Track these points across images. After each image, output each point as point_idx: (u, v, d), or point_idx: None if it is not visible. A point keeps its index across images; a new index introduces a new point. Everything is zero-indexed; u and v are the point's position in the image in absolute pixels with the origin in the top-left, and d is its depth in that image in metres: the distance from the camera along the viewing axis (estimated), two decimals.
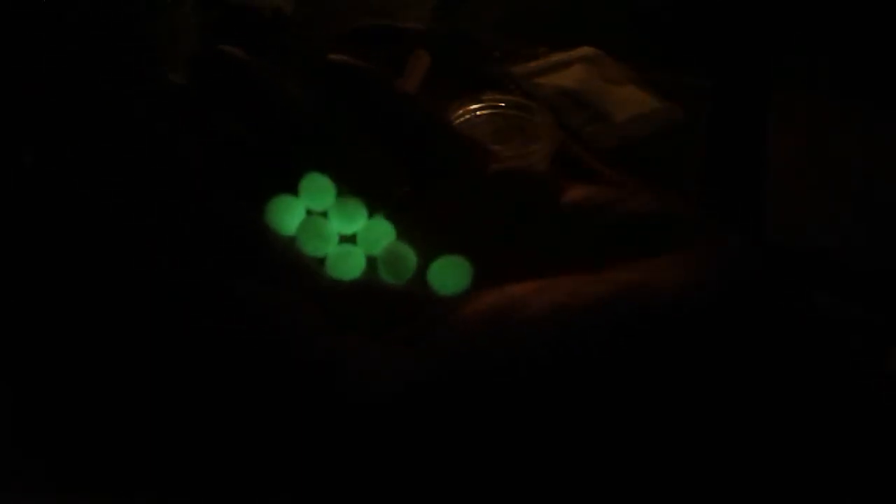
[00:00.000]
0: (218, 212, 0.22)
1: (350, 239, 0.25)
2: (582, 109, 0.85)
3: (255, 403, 0.20)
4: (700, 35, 0.94)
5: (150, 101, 0.25)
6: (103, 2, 0.80)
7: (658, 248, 0.21)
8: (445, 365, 0.19)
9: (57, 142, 0.76)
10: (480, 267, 0.22)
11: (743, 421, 0.19)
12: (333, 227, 0.24)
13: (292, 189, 0.24)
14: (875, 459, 0.19)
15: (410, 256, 0.23)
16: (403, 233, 0.24)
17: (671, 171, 0.79)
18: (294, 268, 0.22)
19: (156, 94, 0.25)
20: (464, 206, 0.24)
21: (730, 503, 0.18)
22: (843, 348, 0.20)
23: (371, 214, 0.24)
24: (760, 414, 0.19)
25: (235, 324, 0.20)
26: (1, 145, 0.76)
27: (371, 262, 0.24)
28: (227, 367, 0.20)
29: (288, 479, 0.20)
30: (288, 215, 0.24)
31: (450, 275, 0.22)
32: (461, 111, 0.73)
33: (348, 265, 0.23)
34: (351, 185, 0.24)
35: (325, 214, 0.25)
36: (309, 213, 0.24)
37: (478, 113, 0.74)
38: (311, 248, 0.24)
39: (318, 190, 0.24)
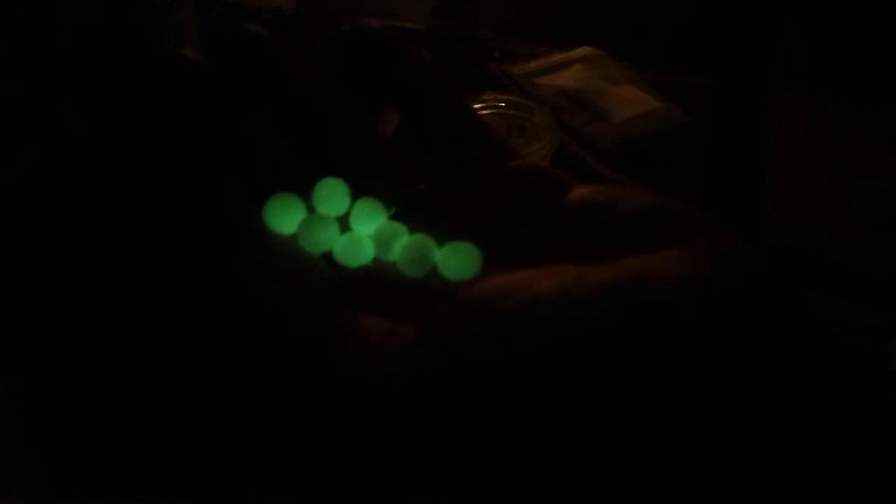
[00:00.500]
0: (228, 210, 0.22)
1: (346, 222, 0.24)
2: (582, 109, 0.85)
3: (254, 384, 0.20)
4: (700, 35, 0.94)
5: (153, 91, 0.24)
6: (103, 2, 0.80)
7: (659, 244, 0.21)
8: (446, 343, 0.19)
9: (57, 142, 0.76)
10: (490, 261, 0.22)
11: (742, 415, 0.19)
12: (333, 227, 0.24)
13: (306, 185, 0.24)
14: (876, 458, 0.19)
15: (433, 249, 0.23)
16: (417, 230, 0.24)
17: (671, 171, 0.79)
18: (299, 259, 0.22)
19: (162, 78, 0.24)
20: (480, 202, 0.24)
21: (727, 500, 0.19)
22: (844, 345, 0.20)
23: (387, 211, 0.24)
24: (760, 407, 0.19)
25: (236, 300, 0.20)
26: (1, 145, 0.76)
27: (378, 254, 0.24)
28: (226, 347, 0.20)
29: (283, 478, 0.20)
30: (287, 215, 0.24)
31: (459, 261, 0.23)
32: None
33: (357, 253, 0.23)
34: (369, 182, 0.24)
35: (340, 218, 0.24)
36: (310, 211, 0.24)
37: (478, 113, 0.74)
38: (311, 246, 0.23)
39: (332, 195, 0.24)
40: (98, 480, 0.48)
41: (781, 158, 0.84)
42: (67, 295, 0.62)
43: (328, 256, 0.24)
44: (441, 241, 0.23)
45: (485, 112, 0.74)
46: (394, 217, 0.24)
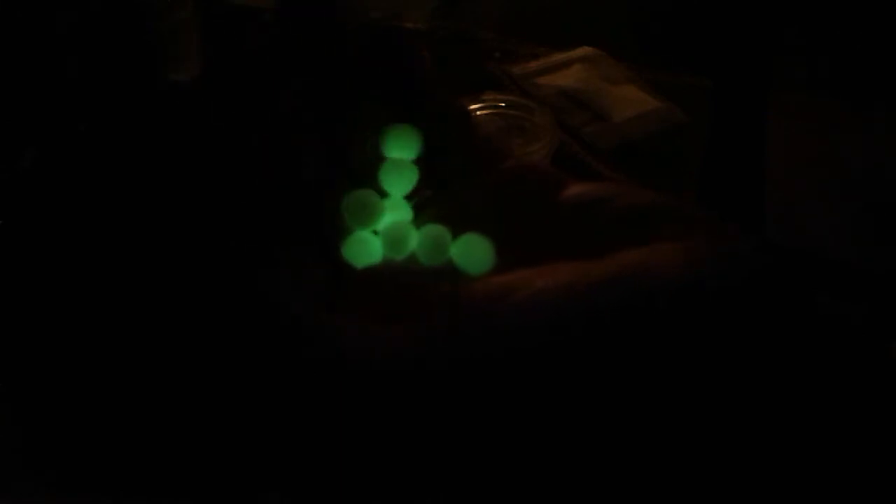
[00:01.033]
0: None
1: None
2: (582, 109, 0.85)
3: (252, 382, 0.20)
4: (700, 35, 0.94)
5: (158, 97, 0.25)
6: (104, 2, 0.80)
7: (658, 240, 0.21)
8: (448, 343, 0.19)
9: (58, 142, 0.76)
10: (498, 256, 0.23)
11: (743, 409, 0.19)
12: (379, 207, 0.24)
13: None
14: (878, 452, 0.19)
15: (448, 239, 0.23)
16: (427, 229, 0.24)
17: (671, 171, 0.79)
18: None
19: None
20: (481, 203, 0.24)
21: (729, 496, 0.18)
22: (847, 338, 0.21)
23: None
24: (761, 401, 0.19)
25: (249, 313, 0.21)
26: (1, 145, 0.76)
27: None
28: (232, 350, 0.21)
29: (278, 475, 0.20)
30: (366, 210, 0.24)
31: (474, 253, 0.23)
32: None
33: (365, 252, 0.24)
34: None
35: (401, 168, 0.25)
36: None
37: (478, 113, 0.74)
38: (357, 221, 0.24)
39: (402, 140, 0.25)
40: (98, 480, 0.48)
41: (781, 158, 0.84)
42: (67, 295, 0.62)
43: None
44: (454, 236, 0.23)
45: (485, 112, 0.74)
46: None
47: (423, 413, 0.19)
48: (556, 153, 0.73)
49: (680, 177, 0.79)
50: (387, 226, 0.24)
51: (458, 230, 0.23)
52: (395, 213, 0.25)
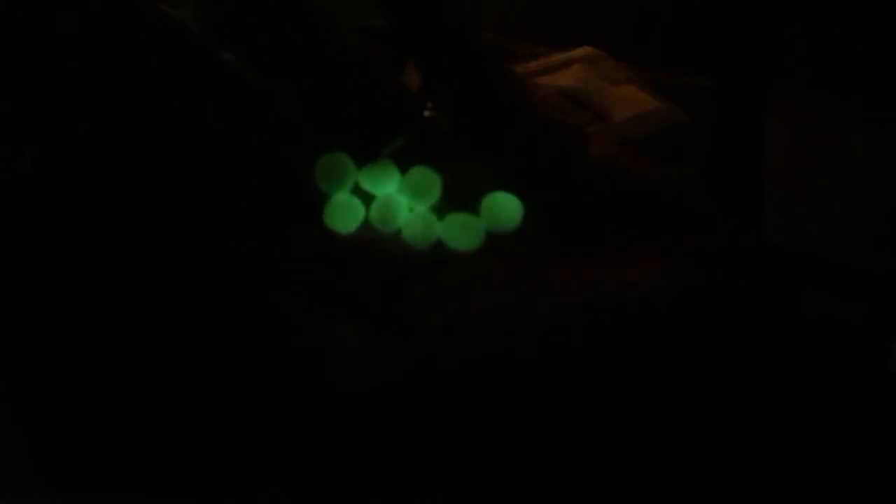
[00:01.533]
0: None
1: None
2: (582, 109, 0.85)
3: (247, 389, 0.21)
4: (700, 35, 0.94)
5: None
6: (103, 2, 0.80)
7: (645, 241, 0.21)
8: (430, 355, 0.19)
9: (58, 142, 0.76)
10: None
11: (736, 410, 0.19)
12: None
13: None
14: (875, 457, 0.19)
15: (435, 223, 0.24)
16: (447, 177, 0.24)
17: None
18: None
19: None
20: (513, 152, 0.24)
21: (725, 498, 0.19)
22: (843, 346, 0.21)
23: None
24: (752, 400, 0.19)
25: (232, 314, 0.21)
26: (1, 145, 0.76)
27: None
28: (225, 347, 0.21)
29: (271, 476, 0.20)
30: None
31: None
32: None
33: (346, 217, 0.24)
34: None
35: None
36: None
37: None
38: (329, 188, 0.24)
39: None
40: (98, 480, 0.48)
41: (781, 158, 0.84)
42: (67, 294, 0.62)
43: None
44: (443, 214, 0.24)
45: None
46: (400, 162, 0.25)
47: (406, 419, 0.19)
48: None
49: (680, 177, 0.79)
50: (377, 199, 0.24)
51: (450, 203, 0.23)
52: (377, 179, 0.24)
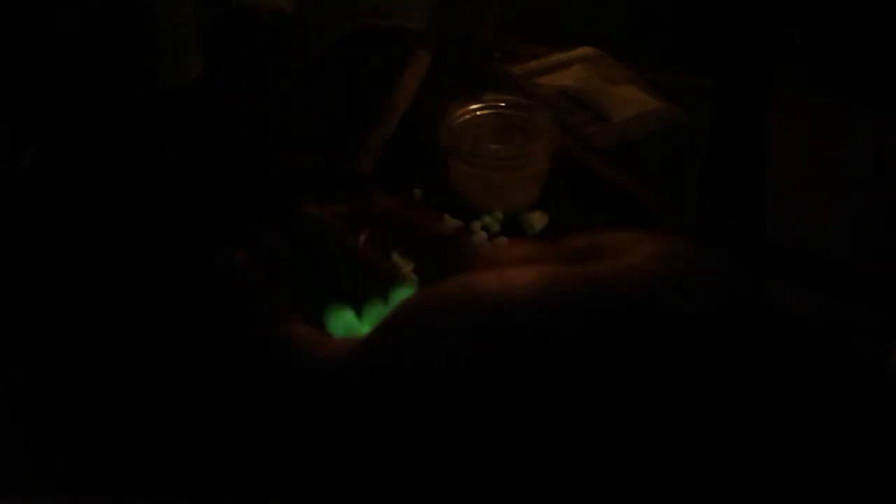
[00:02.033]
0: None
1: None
2: (582, 109, 0.85)
3: (240, 387, 0.21)
4: (700, 35, 0.94)
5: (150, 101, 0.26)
6: (104, 2, 0.80)
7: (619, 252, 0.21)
8: (382, 350, 0.20)
9: (58, 142, 0.76)
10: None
11: (731, 416, 0.19)
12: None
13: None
14: (875, 460, 0.19)
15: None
16: None
17: (671, 171, 0.79)
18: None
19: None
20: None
21: (721, 498, 0.18)
22: (843, 348, 0.20)
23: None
24: (748, 407, 0.19)
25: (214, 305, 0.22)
26: (1, 145, 0.76)
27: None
28: (216, 347, 0.22)
29: (279, 476, 0.20)
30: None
31: (340, 322, 0.25)
32: (461, 111, 0.73)
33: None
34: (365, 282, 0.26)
35: None
36: None
37: (478, 113, 0.74)
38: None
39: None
40: (98, 480, 0.48)
41: (781, 158, 0.84)
42: (67, 294, 0.62)
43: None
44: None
45: (485, 112, 0.74)
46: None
47: (368, 410, 0.19)
48: (557, 153, 0.73)
49: (680, 177, 0.79)
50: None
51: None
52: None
